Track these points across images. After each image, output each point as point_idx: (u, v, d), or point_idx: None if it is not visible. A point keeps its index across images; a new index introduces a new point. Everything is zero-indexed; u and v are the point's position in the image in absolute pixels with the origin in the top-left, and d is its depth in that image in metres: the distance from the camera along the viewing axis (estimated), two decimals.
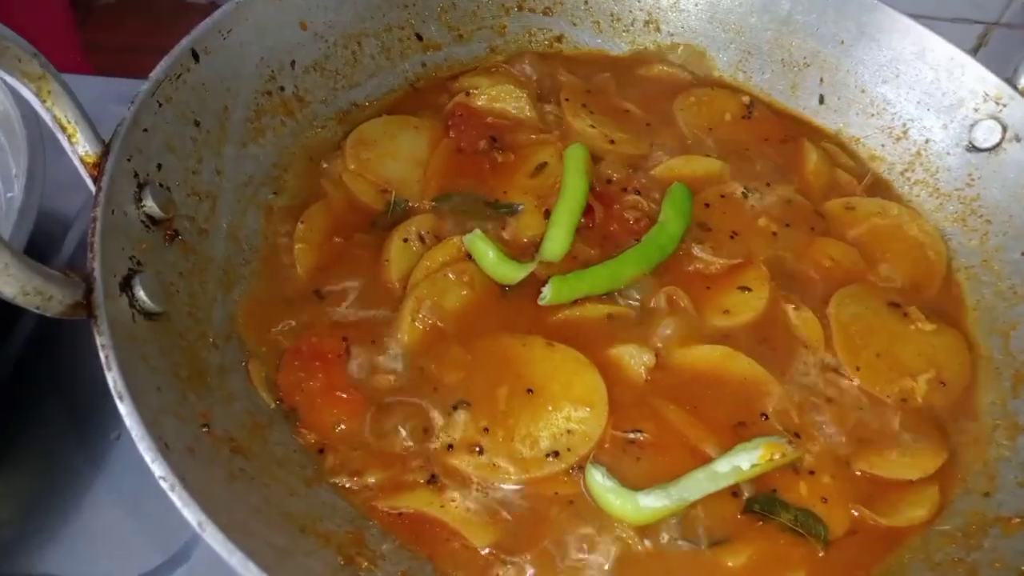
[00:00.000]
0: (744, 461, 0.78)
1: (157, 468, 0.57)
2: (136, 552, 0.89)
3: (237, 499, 0.64)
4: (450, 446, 0.78)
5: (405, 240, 0.93)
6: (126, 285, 0.71)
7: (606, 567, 0.74)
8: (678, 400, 0.84)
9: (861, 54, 1.13)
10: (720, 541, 0.77)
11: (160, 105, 0.83)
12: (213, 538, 0.54)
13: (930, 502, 0.82)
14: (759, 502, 0.78)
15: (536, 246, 0.94)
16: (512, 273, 0.89)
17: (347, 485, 0.77)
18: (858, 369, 0.89)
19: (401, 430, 0.80)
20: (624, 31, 1.24)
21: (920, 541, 0.79)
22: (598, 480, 0.76)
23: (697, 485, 0.77)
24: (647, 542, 0.76)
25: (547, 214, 0.97)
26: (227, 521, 0.56)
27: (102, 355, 0.63)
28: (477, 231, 0.90)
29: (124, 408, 0.60)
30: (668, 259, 0.95)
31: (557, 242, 0.93)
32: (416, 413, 0.81)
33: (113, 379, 0.61)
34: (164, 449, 0.58)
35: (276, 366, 0.83)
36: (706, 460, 0.80)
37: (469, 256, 0.91)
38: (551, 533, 0.76)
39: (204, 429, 0.68)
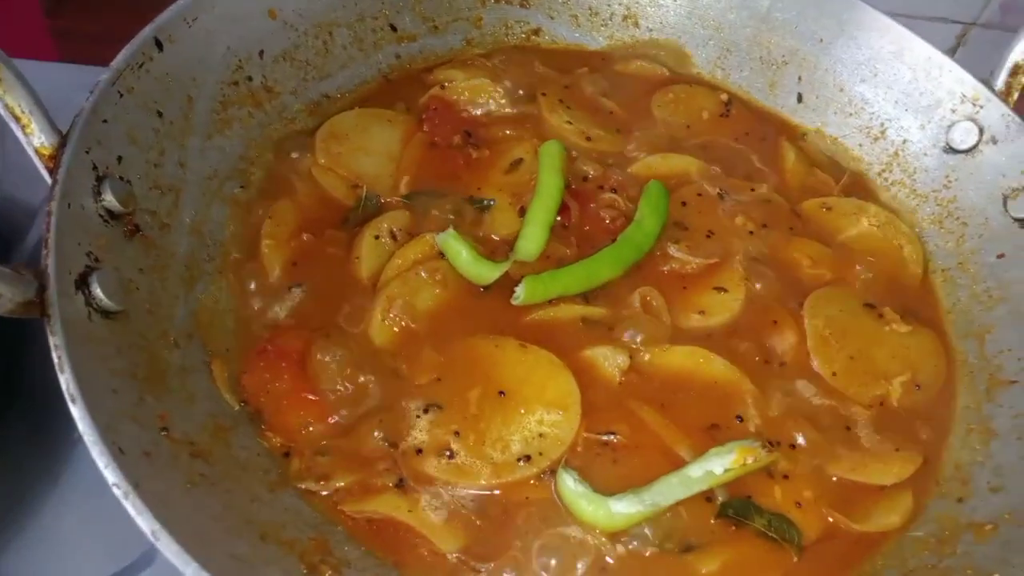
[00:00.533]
0: (717, 466, 0.76)
1: (110, 474, 0.55)
2: (97, 556, 0.87)
3: (196, 506, 0.62)
4: (419, 450, 0.77)
5: (376, 237, 0.91)
6: (82, 282, 0.68)
7: (578, 574, 0.73)
8: (652, 402, 0.83)
9: (840, 52, 1.13)
10: (693, 547, 0.76)
11: (121, 95, 0.80)
12: (167, 548, 0.52)
13: (904, 508, 0.81)
14: (733, 507, 0.77)
15: (510, 244, 0.92)
16: (486, 273, 0.87)
17: (313, 489, 0.75)
18: (834, 374, 0.88)
19: (376, 433, 0.78)
20: (602, 25, 1.22)
21: (894, 547, 0.78)
22: (569, 485, 0.75)
23: (670, 490, 0.76)
24: (619, 548, 0.75)
25: (522, 211, 0.95)
26: (184, 530, 0.54)
27: (55, 356, 0.60)
28: (451, 230, 0.88)
29: (77, 411, 0.57)
30: (643, 258, 0.93)
31: (532, 241, 0.91)
32: (389, 416, 0.79)
33: (66, 381, 0.59)
34: (119, 454, 0.56)
35: (241, 367, 0.81)
36: (680, 463, 0.78)
37: (442, 255, 0.89)
38: (521, 539, 0.74)
39: (163, 433, 0.66)
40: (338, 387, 0.80)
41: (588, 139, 1.06)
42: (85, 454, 0.92)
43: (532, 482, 0.77)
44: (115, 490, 0.55)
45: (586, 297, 0.90)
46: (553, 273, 0.88)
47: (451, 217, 0.94)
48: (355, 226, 0.93)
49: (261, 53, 0.99)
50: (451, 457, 0.76)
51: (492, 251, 0.92)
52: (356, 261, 0.89)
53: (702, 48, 1.20)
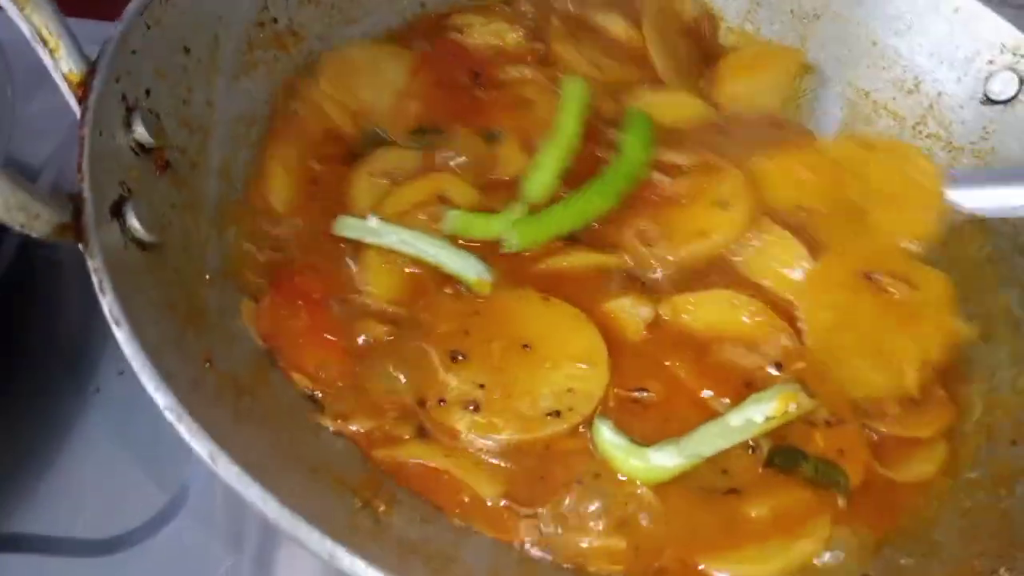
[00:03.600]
0: (758, 414, 0.73)
1: (161, 397, 0.52)
2: (113, 513, 0.85)
3: (245, 439, 0.59)
4: (442, 400, 0.73)
5: (370, 175, 0.86)
6: (117, 211, 0.65)
7: (622, 516, 0.70)
8: (681, 354, 0.80)
9: (873, 5, 1.10)
10: (738, 490, 0.73)
11: (148, 27, 0.77)
12: (227, 471, 0.50)
13: (939, 458, 0.79)
14: (780, 456, 0.74)
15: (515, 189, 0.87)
16: (495, 226, 0.82)
17: (336, 429, 0.71)
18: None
19: (397, 377, 0.74)
20: None
21: (949, 490, 0.77)
22: (607, 436, 0.72)
23: (710, 440, 0.73)
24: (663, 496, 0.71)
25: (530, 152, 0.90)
26: (239, 456, 0.51)
27: (95, 279, 0.57)
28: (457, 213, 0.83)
29: (122, 334, 0.54)
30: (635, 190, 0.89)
31: (540, 184, 0.86)
32: (408, 365, 0.75)
33: (108, 304, 0.56)
34: (168, 378, 0.53)
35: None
36: (716, 416, 0.75)
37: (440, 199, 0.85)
38: (561, 486, 0.71)
39: (207, 365, 0.63)
40: (358, 338, 0.77)
41: (599, 69, 1.02)
42: (101, 408, 0.92)
43: (564, 437, 0.73)
44: (167, 414, 0.52)
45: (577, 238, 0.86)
46: (542, 214, 0.84)
47: (459, 159, 0.89)
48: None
49: None
50: (476, 410, 0.72)
51: (495, 194, 0.87)
52: (349, 201, 0.85)
53: (732, 1, 1.18)
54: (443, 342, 0.76)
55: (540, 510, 0.70)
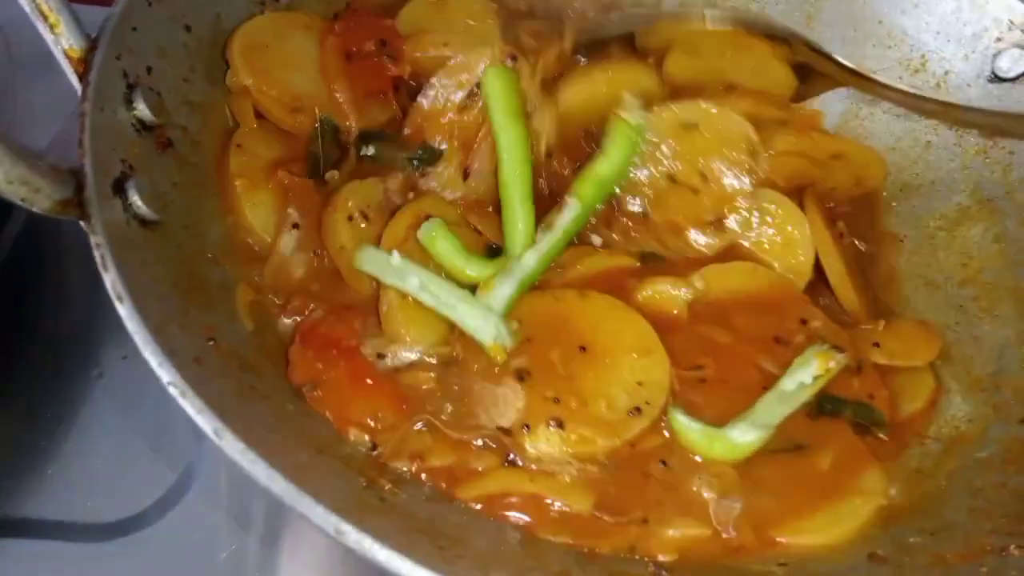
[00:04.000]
0: (807, 375, 0.75)
1: (164, 373, 0.51)
2: (118, 496, 0.85)
3: (250, 415, 0.59)
4: (526, 426, 0.70)
5: (350, 219, 0.78)
6: (119, 188, 0.64)
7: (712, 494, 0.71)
8: (718, 323, 0.80)
9: None
10: (804, 446, 0.75)
11: (149, 4, 0.76)
12: (232, 447, 0.49)
13: (927, 389, 0.83)
14: (829, 402, 0.77)
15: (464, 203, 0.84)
16: (476, 271, 0.77)
17: (409, 469, 0.68)
18: None
19: (480, 414, 0.71)
20: None
21: (959, 468, 0.76)
22: (685, 424, 0.72)
23: (775, 409, 0.74)
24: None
25: (466, 174, 0.84)
26: (244, 432, 0.51)
27: (97, 255, 0.56)
28: (436, 221, 0.77)
29: (125, 310, 0.54)
30: None
31: (522, 229, 0.79)
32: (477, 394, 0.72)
33: (111, 280, 0.55)
34: (171, 354, 0.52)
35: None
36: (771, 378, 0.77)
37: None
38: (651, 484, 0.71)
39: (210, 343, 0.62)
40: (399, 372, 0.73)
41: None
42: (105, 391, 0.91)
43: (648, 433, 0.72)
44: (171, 389, 0.51)
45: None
46: (515, 273, 0.77)
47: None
48: (330, 168, 0.83)
49: None
50: (561, 427, 0.70)
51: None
52: (342, 251, 0.77)
53: None
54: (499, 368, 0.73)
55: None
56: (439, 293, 0.74)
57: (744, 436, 0.72)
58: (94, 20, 0.71)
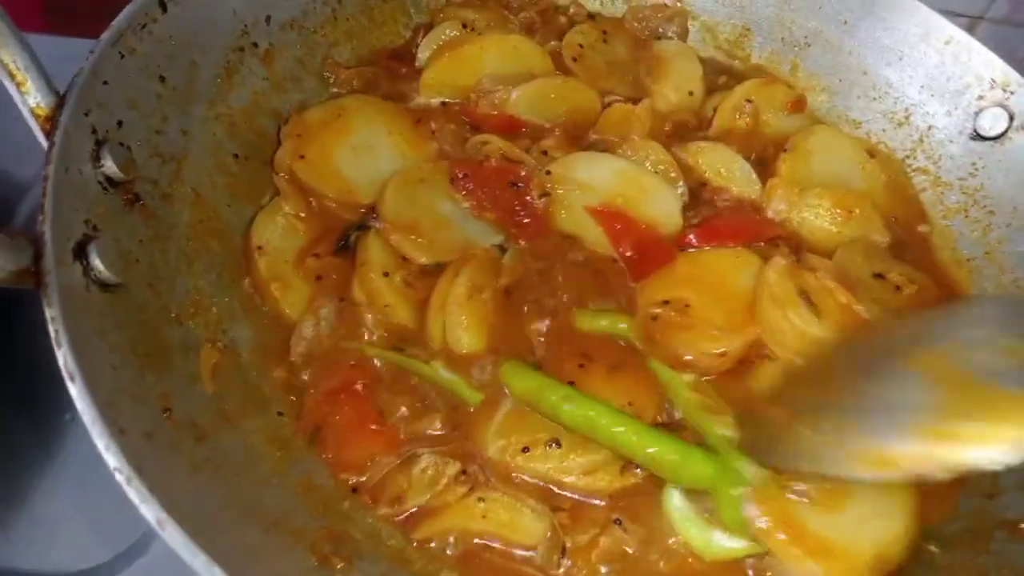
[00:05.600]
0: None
1: (111, 457, 0.51)
2: (89, 543, 0.84)
3: (201, 492, 0.58)
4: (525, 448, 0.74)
5: (386, 275, 0.83)
6: (80, 252, 0.64)
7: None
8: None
9: (865, 34, 1.09)
10: None
11: (122, 56, 0.76)
12: (173, 539, 0.49)
13: None
14: None
15: None
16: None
17: (387, 515, 0.71)
18: None
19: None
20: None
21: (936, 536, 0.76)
22: (676, 505, 0.73)
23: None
24: None
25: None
26: (190, 518, 0.50)
27: (51, 329, 0.56)
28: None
29: (75, 389, 0.53)
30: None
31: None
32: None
33: (63, 356, 0.55)
34: (119, 435, 0.52)
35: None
36: None
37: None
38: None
39: (165, 414, 0.62)
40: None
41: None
42: (77, 435, 0.90)
43: None
44: (117, 475, 0.51)
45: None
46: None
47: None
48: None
49: (268, 19, 0.94)
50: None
51: None
52: (387, 309, 0.82)
53: (723, 26, 1.17)
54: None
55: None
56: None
57: (727, 543, 0.71)
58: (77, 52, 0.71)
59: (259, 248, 0.84)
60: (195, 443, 0.62)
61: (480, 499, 0.71)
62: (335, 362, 0.79)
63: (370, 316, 0.80)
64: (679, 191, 0.94)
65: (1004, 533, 0.74)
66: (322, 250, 0.86)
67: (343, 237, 0.87)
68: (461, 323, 0.80)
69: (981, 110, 1.01)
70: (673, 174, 0.95)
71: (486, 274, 0.83)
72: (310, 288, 0.83)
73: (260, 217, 0.86)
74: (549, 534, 0.70)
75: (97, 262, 0.64)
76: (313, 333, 0.80)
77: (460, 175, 0.90)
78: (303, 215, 0.88)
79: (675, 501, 0.72)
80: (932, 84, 1.06)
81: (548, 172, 0.91)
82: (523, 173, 0.91)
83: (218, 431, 0.66)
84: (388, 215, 0.86)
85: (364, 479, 0.73)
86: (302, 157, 0.89)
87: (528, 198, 0.90)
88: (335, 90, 1.00)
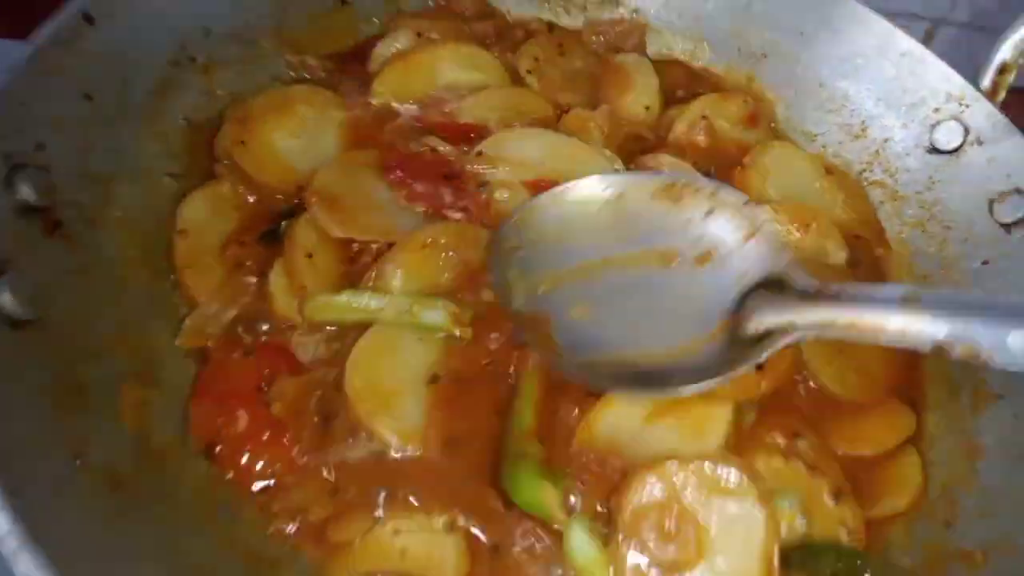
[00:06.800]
0: None
1: (2, 522, 0.47)
2: None
3: (114, 547, 0.55)
4: None
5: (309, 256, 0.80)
6: None
7: None
8: None
9: (821, 47, 1.08)
10: None
11: (44, 75, 0.72)
12: None
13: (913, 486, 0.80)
14: (799, 555, 0.70)
15: None
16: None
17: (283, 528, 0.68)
18: None
19: None
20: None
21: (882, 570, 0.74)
22: (576, 543, 0.69)
23: None
24: None
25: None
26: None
27: None
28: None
29: None
30: None
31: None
32: None
33: None
34: (15, 494, 0.48)
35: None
36: None
37: None
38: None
39: (77, 462, 0.58)
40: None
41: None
42: None
43: None
44: (8, 541, 0.47)
45: None
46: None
47: None
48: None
49: (207, 32, 0.91)
50: None
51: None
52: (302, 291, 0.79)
53: (679, 37, 1.15)
54: None
55: None
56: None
57: None
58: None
59: (181, 231, 0.81)
60: (110, 492, 0.59)
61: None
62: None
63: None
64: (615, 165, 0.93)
65: (960, 566, 0.72)
66: (248, 238, 0.83)
67: (274, 224, 0.84)
68: None
69: (937, 123, 0.99)
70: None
71: None
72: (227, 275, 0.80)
73: (188, 200, 0.83)
74: None
75: (8, 299, 0.61)
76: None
77: (392, 164, 0.87)
78: (236, 202, 0.85)
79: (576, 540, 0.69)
80: (888, 97, 1.04)
81: (480, 153, 0.89)
82: (456, 166, 0.89)
83: (137, 474, 0.62)
84: (315, 185, 0.83)
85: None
86: (242, 143, 0.86)
87: (466, 190, 0.88)
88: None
